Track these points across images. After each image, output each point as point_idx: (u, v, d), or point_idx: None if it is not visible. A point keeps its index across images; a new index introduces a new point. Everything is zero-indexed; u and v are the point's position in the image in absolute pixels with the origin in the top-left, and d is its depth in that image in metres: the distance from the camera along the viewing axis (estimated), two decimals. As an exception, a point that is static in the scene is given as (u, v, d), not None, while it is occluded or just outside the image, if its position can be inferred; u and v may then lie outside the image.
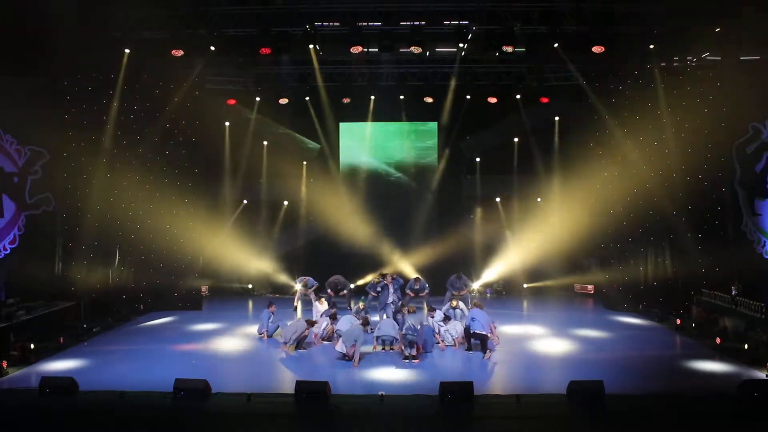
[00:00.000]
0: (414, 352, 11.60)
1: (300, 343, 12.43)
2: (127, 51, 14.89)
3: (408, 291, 15.17)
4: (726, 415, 8.77)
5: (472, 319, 12.01)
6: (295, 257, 19.61)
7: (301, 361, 11.83)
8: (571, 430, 8.41)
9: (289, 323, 12.88)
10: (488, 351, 11.84)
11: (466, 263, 18.10)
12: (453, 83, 17.97)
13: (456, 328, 12.76)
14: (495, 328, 12.66)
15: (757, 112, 14.75)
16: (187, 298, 16.78)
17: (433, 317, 13.29)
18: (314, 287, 16.00)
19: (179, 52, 14.44)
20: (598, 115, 16.83)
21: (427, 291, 15.26)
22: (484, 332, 11.81)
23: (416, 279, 15.43)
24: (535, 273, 19.24)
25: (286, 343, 12.26)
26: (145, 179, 15.92)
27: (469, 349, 12.25)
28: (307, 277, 16.25)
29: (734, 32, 14.09)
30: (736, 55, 15.03)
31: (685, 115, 15.47)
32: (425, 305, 15.44)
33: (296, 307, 16.53)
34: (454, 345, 12.62)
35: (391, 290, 14.51)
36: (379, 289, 14.84)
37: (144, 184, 15.93)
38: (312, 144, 19.77)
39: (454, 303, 13.98)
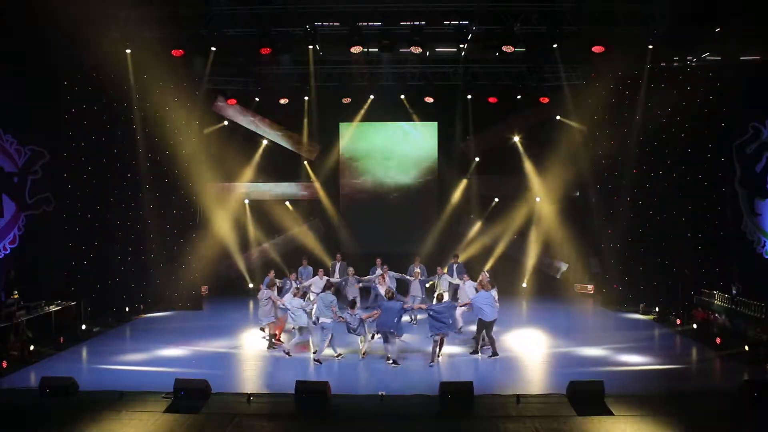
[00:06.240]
0: (394, 356, 11.16)
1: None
2: (128, 51, 14.90)
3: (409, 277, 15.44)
4: (726, 415, 8.76)
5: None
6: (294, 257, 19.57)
7: (301, 361, 11.82)
8: (570, 431, 8.39)
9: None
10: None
11: (466, 262, 18.07)
12: (453, 83, 17.95)
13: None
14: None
15: (757, 112, 14.74)
16: (187, 298, 16.74)
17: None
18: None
19: (179, 52, 14.44)
20: (597, 115, 16.83)
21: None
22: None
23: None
24: (534, 272, 19.25)
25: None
26: (146, 179, 15.94)
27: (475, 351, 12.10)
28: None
29: (734, 32, 14.08)
30: (736, 55, 15.02)
31: (685, 115, 15.48)
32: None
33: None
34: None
35: (387, 281, 14.55)
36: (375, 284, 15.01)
37: (145, 183, 15.95)
38: (312, 144, 19.74)
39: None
